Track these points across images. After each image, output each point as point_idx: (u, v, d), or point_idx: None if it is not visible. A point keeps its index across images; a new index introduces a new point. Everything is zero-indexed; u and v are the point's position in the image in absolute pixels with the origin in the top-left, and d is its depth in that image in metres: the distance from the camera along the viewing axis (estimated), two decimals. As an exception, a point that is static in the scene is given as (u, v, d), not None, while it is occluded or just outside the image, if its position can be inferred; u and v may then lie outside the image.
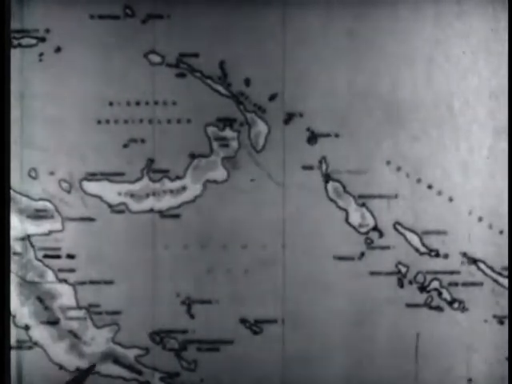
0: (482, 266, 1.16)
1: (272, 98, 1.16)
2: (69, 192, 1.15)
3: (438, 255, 1.16)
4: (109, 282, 1.16)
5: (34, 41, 1.15)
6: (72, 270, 1.15)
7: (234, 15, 1.15)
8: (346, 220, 1.16)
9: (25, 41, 1.15)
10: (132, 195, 1.16)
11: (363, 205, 1.16)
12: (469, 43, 1.16)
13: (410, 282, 1.16)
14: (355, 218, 1.16)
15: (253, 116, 1.16)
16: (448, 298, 1.16)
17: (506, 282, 1.16)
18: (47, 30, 1.15)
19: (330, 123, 1.16)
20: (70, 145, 1.15)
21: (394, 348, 1.16)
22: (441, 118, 1.16)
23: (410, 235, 1.16)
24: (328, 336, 1.16)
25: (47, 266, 1.16)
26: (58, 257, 1.15)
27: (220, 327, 1.16)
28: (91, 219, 1.15)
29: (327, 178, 1.16)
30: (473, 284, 1.16)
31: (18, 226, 1.15)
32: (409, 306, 1.16)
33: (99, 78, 1.15)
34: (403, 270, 1.16)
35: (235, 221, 1.15)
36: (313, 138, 1.16)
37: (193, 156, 1.16)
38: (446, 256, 1.16)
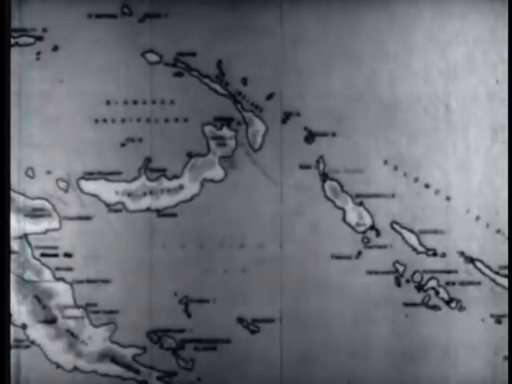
0: (479, 265, 1.16)
1: (269, 97, 1.16)
2: (66, 191, 1.15)
3: (435, 254, 1.16)
4: (106, 281, 1.15)
5: (31, 39, 1.15)
6: (69, 269, 1.15)
7: (232, 14, 1.15)
8: (344, 219, 1.16)
9: (22, 39, 1.15)
10: (129, 194, 1.16)
11: (360, 204, 1.16)
12: (466, 42, 1.16)
13: (408, 281, 1.16)
14: (352, 217, 1.16)
15: (250, 115, 1.16)
16: (445, 297, 1.16)
17: (503, 280, 1.16)
18: (45, 29, 1.15)
19: (328, 122, 1.16)
20: (68, 144, 1.15)
21: (391, 347, 1.16)
22: (438, 117, 1.16)
23: (407, 234, 1.16)
24: (325, 335, 1.16)
25: (44, 264, 1.15)
26: (56, 255, 1.15)
27: (217, 326, 1.16)
28: (88, 218, 1.15)
29: (324, 177, 1.16)
30: (470, 283, 1.16)
31: (15, 224, 1.15)
32: (406, 305, 1.16)
33: (96, 76, 1.15)
34: (400, 269, 1.16)
35: (232, 220, 1.15)
36: (310, 137, 1.16)
37: (190, 155, 1.16)
38: (443, 255, 1.16)
